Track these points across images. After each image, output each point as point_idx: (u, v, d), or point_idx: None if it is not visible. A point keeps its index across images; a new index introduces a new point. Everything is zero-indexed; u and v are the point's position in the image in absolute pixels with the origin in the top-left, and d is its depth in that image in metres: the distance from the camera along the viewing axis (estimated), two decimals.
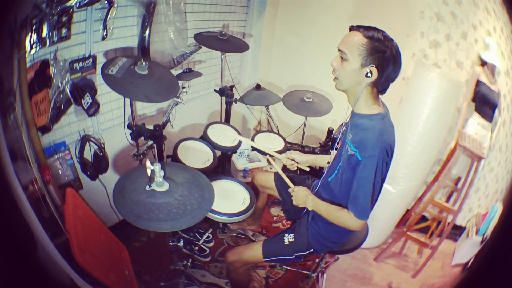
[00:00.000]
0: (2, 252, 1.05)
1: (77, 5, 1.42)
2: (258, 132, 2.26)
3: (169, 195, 1.26)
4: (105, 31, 1.59)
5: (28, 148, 1.34)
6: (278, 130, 2.50)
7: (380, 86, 1.19)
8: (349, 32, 1.17)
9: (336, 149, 1.43)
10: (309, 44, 2.52)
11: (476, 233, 1.77)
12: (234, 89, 2.31)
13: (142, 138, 1.81)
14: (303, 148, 2.31)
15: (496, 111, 1.78)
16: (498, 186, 1.78)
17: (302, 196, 1.40)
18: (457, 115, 1.90)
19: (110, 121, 1.83)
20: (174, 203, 1.24)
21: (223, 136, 2.01)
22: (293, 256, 1.47)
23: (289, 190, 1.46)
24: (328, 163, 1.45)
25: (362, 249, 1.99)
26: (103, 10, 1.55)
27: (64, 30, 1.42)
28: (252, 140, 2.13)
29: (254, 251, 1.49)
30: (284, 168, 1.61)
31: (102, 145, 1.74)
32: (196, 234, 1.68)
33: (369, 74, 1.13)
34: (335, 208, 1.32)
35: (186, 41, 2.05)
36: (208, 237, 1.70)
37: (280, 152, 2.08)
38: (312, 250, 1.46)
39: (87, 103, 1.61)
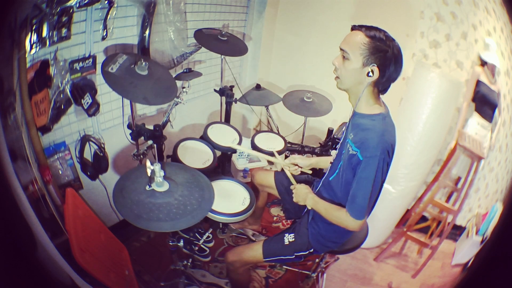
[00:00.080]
0: (2, 252, 1.05)
1: (77, 5, 1.42)
2: (258, 132, 2.26)
3: (169, 195, 1.26)
4: (105, 31, 1.59)
5: (28, 148, 1.34)
6: (278, 130, 2.50)
7: (381, 86, 1.19)
8: (351, 31, 1.17)
9: (336, 148, 1.43)
10: (309, 44, 2.52)
11: (476, 233, 1.77)
12: (234, 89, 2.31)
13: (142, 138, 1.81)
14: (303, 148, 2.31)
15: (496, 111, 1.78)
16: (498, 186, 1.78)
17: (302, 194, 1.40)
18: (457, 115, 1.90)
19: (110, 121, 1.83)
20: (174, 203, 1.24)
21: (224, 137, 2.01)
22: (293, 256, 1.47)
23: (291, 187, 1.47)
24: (331, 163, 1.46)
25: (362, 249, 1.99)
26: (103, 10, 1.55)
27: (64, 30, 1.42)
28: (252, 140, 2.13)
29: (254, 251, 1.49)
30: None
31: (102, 145, 1.74)
32: (196, 234, 1.68)
33: (370, 74, 1.13)
34: (334, 207, 1.32)
35: (186, 41, 2.05)
36: (208, 237, 1.70)
37: (280, 152, 2.10)
38: (312, 250, 1.46)
39: (87, 103, 1.61)
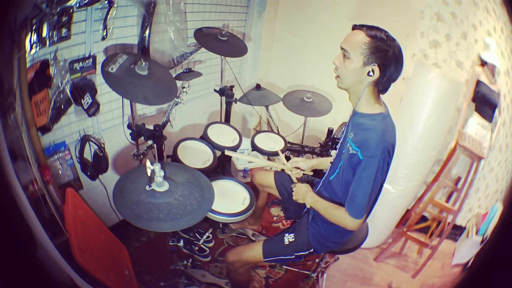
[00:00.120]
0: (2, 252, 1.05)
1: (77, 5, 1.42)
2: (258, 132, 2.26)
3: (169, 195, 1.26)
4: (105, 31, 1.59)
5: (28, 148, 1.34)
6: (278, 130, 2.50)
7: (381, 86, 1.19)
8: (352, 31, 1.17)
9: (336, 148, 1.43)
10: (309, 44, 2.52)
11: (476, 233, 1.77)
12: (234, 88, 2.31)
13: (142, 138, 1.81)
14: (303, 148, 2.31)
15: (496, 111, 1.78)
16: (498, 186, 1.78)
17: (302, 192, 1.40)
18: (457, 115, 1.90)
19: (110, 121, 1.83)
20: (174, 203, 1.24)
21: (224, 137, 2.01)
22: (293, 256, 1.47)
23: (292, 185, 1.47)
24: (331, 162, 1.46)
25: (362, 249, 1.99)
26: (103, 10, 1.55)
27: (64, 30, 1.42)
28: (252, 140, 2.13)
29: (254, 251, 1.49)
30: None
31: (102, 145, 1.74)
32: (196, 234, 1.68)
33: (371, 73, 1.13)
34: (333, 206, 1.32)
35: (186, 41, 2.05)
36: (208, 237, 1.70)
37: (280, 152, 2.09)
38: (312, 250, 1.46)
39: (87, 103, 1.61)
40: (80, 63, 1.54)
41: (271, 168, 2.55)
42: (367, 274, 2.04)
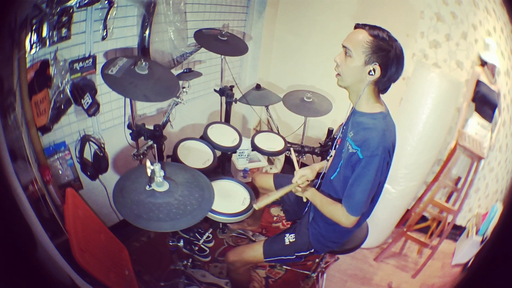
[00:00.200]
0: (2, 252, 1.05)
1: (77, 5, 1.42)
2: (258, 132, 2.26)
3: (169, 195, 1.26)
4: (105, 31, 1.59)
5: (28, 148, 1.34)
6: (278, 130, 2.50)
7: (382, 85, 1.19)
8: (354, 29, 1.17)
9: (335, 148, 1.43)
10: (309, 44, 2.52)
11: (476, 233, 1.77)
12: (234, 89, 2.31)
13: (142, 138, 1.81)
14: (303, 148, 2.31)
15: (496, 111, 1.78)
16: (498, 186, 1.78)
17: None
18: (457, 115, 1.90)
19: (110, 121, 1.83)
20: (174, 203, 1.24)
21: (224, 137, 2.01)
22: (294, 256, 1.47)
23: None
24: (328, 160, 1.46)
25: (362, 249, 1.99)
26: (103, 10, 1.55)
27: (64, 30, 1.42)
28: (252, 140, 2.13)
29: (255, 251, 1.49)
30: (286, 168, 1.60)
31: (102, 145, 1.74)
32: (196, 234, 1.68)
33: (372, 72, 1.14)
34: (330, 201, 1.33)
35: (186, 41, 2.05)
36: (208, 237, 1.70)
37: (280, 152, 2.10)
38: (312, 250, 1.46)
39: (87, 103, 1.61)
40: (80, 63, 1.54)
41: (271, 168, 2.56)
42: (367, 274, 2.04)
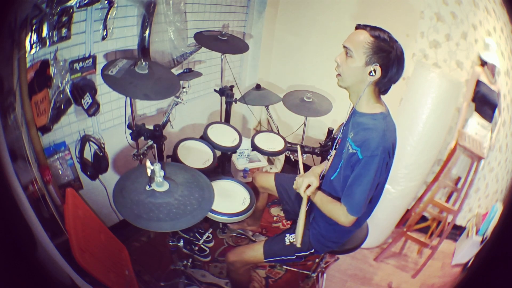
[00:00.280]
0: (2, 252, 1.05)
1: (77, 5, 1.42)
2: (258, 132, 2.26)
3: (169, 195, 1.26)
4: (105, 31, 1.59)
5: (28, 148, 1.34)
6: (278, 130, 2.50)
7: (382, 86, 1.19)
8: (355, 30, 1.18)
9: (336, 148, 1.43)
10: (309, 44, 2.52)
11: (476, 233, 1.77)
12: (234, 89, 2.31)
13: (142, 138, 1.81)
14: (303, 148, 2.31)
15: (496, 111, 1.78)
16: (498, 186, 1.78)
17: (302, 182, 1.39)
18: (457, 115, 1.90)
19: (110, 121, 1.83)
20: (174, 203, 1.24)
21: (224, 137, 2.01)
22: (294, 257, 1.47)
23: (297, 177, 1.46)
24: (328, 159, 1.46)
25: (362, 249, 1.99)
26: (103, 10, 1.55)
27: (64, 30, 1.42)
28: (252, 140, 2.13)
29: (255, 251, 1.49)
30: (286, 167, 1.60)
31: (102, 145, 1.74)
32: (196, 234, 1.68)
33: (372, 73, 1.14)
34: (329, 200, 1.33)
35: (186, 41, 2.05)
36: (208, 237, 1.70)
37: (280, 152, 2.09)
38: (313, 251, 1.46)
39: (87, 103, 1.61)
40: (80, 63, 1.54)
41: (271, 168, 2.55)
42: (367, 274, 2.03)
